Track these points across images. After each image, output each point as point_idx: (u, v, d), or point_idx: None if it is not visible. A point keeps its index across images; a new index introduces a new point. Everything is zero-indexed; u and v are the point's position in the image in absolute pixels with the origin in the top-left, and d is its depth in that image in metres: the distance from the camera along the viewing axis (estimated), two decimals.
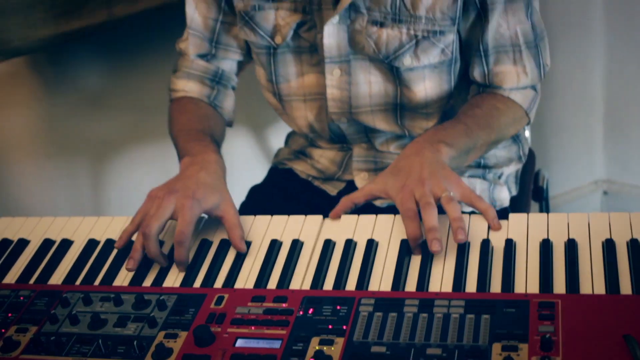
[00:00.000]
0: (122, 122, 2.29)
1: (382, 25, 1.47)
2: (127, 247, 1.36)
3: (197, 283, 1.27)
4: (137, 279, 1.30)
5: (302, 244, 1.31)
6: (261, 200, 1.76)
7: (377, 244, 1.28)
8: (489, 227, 1.28)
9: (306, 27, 1.54)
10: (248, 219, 1.39)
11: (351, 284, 1.21)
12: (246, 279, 1.26)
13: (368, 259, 1.25)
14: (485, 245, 1.23)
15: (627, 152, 2.58)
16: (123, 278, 1.30)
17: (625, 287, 1.12)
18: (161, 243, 1.35)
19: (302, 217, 1.37)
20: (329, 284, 1.22)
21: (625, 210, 1.26)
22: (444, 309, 1.11)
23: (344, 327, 1.11)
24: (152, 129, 2.34)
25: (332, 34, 1.50)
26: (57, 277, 1.33)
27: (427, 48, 1.48)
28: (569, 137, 2.59)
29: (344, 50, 1.52)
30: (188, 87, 1.65)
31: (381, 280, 1.21)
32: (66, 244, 1.41)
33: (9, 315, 1.24)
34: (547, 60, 1.53)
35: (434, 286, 1.18)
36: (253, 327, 1.13)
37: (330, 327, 1.11)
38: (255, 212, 1.41)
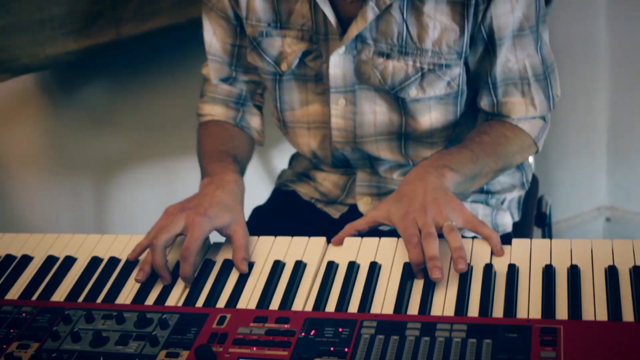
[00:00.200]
0: (127, 140, 2.30)
1: (388, 56, 1.48)
2: (130, 266, 1.37)
3: (200, 302, 1.27)
4: (139, 297, 1.30)
5: (305, 265, 1.31)
6: (264, 221, 1.77)
7: (380, 266, 1.28)
8: (491, 252, 1.28)
9: (312, 56, 1.55)
10: (251, 239, 1.39)
11: (353, 307, 1.21)
12: (249, 299, 1.26)
13: (371, 282, 1.25)
14: (488, 270, 1.23)
15: (630, 179, 2.58)
16: (126, 296, 1.31)
17: (628, 314, 1.11)
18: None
19: (305, 238, 1.37)
20: (331, 306, 1.22)
21: (628, 237, 1.26)
22: (446, 332, 1.11)
23: (346, 350, 1.11)
24: (157, 147, 2.35)
25: (338, 64, 1.51)
26: (60, 294, 1.33)
27: (433, 80, 1.49)
28: (572, 164, 2.59)
29: (349, 80, 1.53)
30: (214, 111, 1.68)
31: (383, 303, 1.21)
32: (69, 260, 1.41)
33: (11, 331, 1.24)
34: (557, 92, 1.53)
35: (436, 310, 1.18)
36: (255, 348, 1.13)
37: (332, 349, 1.11)
38: (257, 232, 1.42)
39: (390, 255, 1.31)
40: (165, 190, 2.38)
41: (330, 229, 1.43)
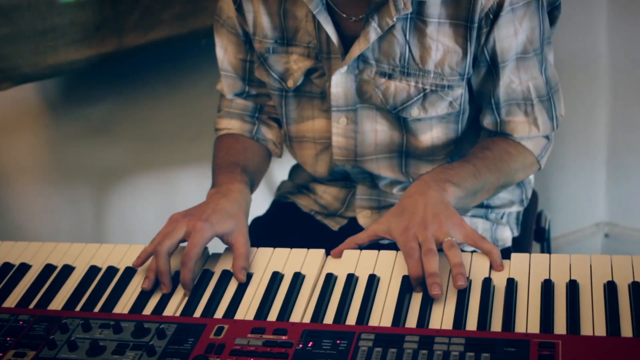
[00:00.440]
0: (126, 150, 2.30)
1: (390, 77, 1.48)
2: (127, 275, 1.37)
3: (198, 313, 1.27)
4: (137, 307, 1.29)
5: (303, 277, 1.31)
6: (263, 233, 1.77)
7: (378, 279, 1.28)
8: (490, 266, 1.28)
9: (317, 73, 1.55)
10: (250, 250, 1.39)
11: (351, 319, 1.21)
12: (247, 310, 1.26)
13: (369, 294, 1.25)
14: (487, 284, 1.23)
15: (629, 196, 2.58)
16: (123, 305, 1.30)
17: (626, 329, 1.11)
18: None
19: (304, 250, 1.37)
20: (329, 318, 1.22)
21: (626, 253, 1.26)
22: (444, 346, 1.11)
23: None
24: (157, 158, 2.35)
25: (339, 83, 1.51)
26: (57, 303, 1.33)
27: (435, 101, 1.49)
28: (571, 179, 2.59)
29: (351, 99, 1.53)
30: (230, 124, 1.70)
31: (382, 315, 1.21)
32: (67, 269, 1.41)
33: (8, 339, 1.23)
34: (560, 112, 1.53)
35: (435, 323, 1.18)
36: (252, 359, 1.13)
37: None
38: (256, 244, 1.42)
39: (389, 268, 1.30)
40: (164, 200, 2.38)
41: (329, 242, 1.42)
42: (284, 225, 1.75)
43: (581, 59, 2.41)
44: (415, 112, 1.50)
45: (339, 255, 1.35)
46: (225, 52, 1.65)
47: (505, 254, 1.30)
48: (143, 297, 1.31)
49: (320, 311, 1.23)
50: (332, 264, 1.34)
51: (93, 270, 1.39)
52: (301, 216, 1.75)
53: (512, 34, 1.42)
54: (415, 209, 1.31)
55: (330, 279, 1.29)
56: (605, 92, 2.46)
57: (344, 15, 1.48)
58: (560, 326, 1.14)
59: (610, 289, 1.18)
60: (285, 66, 1.56)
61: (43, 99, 2.18)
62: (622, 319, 1.13)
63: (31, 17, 1.85)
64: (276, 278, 1.31)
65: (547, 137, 1.54)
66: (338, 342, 1.14)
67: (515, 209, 1.69)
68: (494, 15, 1.40)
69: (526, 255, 1.29)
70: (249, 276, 1.33)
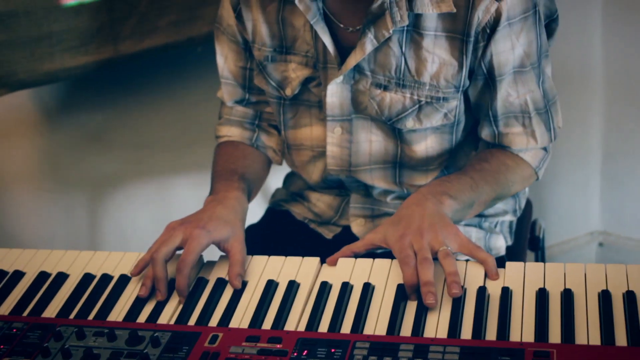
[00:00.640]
0: (121, 158, 2.30)
1: (385, 88, 1.49)
2: (122, 283, 1.37)
3: (192, 321, 1.26)
4: (131, 315, 1.29)
5: (298, 285, 1.31)
6: (256, 240, 1.76)
7: (373, 287, 1.28)
8: (485, 275, 1.28)
9: (315, 82, 1.55)
10: (246, 257, 1.39)
11: (346, 327, 1.21)
12: (241, 319, 1.26)
13: (364, 303, 1.25)
14: (482, 292, 1.23)
15: (624, 205, 2.59)
16: (117, 313, 1.30)
17: (621, 338, 1.12)
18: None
19: (299, 258, 1.37)
20: (324, 326, 1.22)
21: (621, 262, 1.26)
22: (439, 354, 1.10)
23: None
24: (152, 166, 2.35)
25: (335, 93, 1.52)
26: (51, 310, 1.33)
27: (430, 113, 1.49)
28: (565, 188, 2.60)
29: (346, 109, 1.53)
30: (230, 132, 1.70)
31: (376, 324, 1.21)
32: (62, 277, 1.40)
33: (1, 347, 1.23)
34: (558, 123, 1.53)
35: (430, 332, 1.18)
36: None
37: None
38: (250, 251, 1.42)
39: (383, 276, 1.30)
40: (159, 208, 2.38)
41: (323, 250, 1.42)
42: (278, 233, 1.75)
43: (576, 68, 2.42)
44: (410, 123, 1.50)
45: (334, 263, 1.35)
46: (225, 59, 1.65)
47: (499, 262, 1.30)
48: (137, 305, 1.31)
49: (315, 319, 1.23)
50: (327, 272, 1.34)
51: (87, 277, 1.39)
52: (295, 224, 1.75)
53: (509, 48, 1.42)
54: (411, 218, 1.32)
55: (325, 287, 1.29)
56: (600, 102, 2.47)
57: (342, 26, 1.48)
58: (555, 335, 1.14)
59: (605, 298, 1.19)
60: (283, 74, 1.56)
61: (39, 105, 2.18)
62: (617, 328, 1.13)
63: (27, 24, 1.85)
64: (271, 286, 1.31)
65: (545, 149, 1.54)
66: (333, 350, 1.14)
67: (509, 218, 1.70)
68: (491, 29, 1.40)
69: (521, 264, 1.29)
70: (244, 284, 1.33)
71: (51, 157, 2.25)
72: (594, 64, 2.43)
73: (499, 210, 1.67)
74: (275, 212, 1.80)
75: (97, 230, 2.35)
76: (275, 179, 2.22)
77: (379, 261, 1.34)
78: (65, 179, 2.27)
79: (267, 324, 1.24)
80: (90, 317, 1.30)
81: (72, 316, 1.31)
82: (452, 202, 1.37)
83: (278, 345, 1.16)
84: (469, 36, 1.41)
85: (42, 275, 1.41)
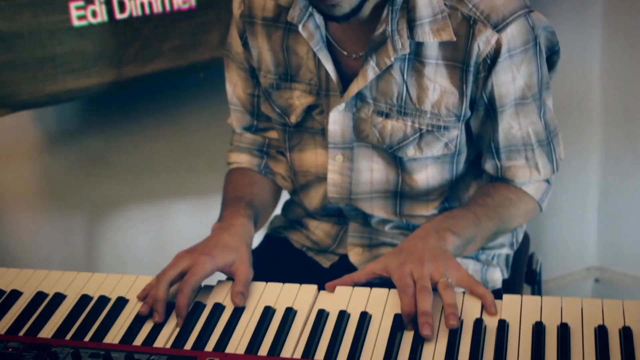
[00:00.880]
0: (121, 181, 2.30)
1: (387, 116, 1.50)
2: (119, 306, 1.36)
3: (189, 345, 1.26)
4: (127, 337, 1.29)
5: (295, 312, 1.31)
6: (254, 267, 1.76)
7: (370, 317, 1.28)
8: (482, 307, 1.28)
9: (318, 110, 1.56)
10: (250, 279, 1.40)
11: (343, 356, 1.21)
12: (238, 344, 1.25)
13: (360, 332, 1.24)
14: (478, 324, 1.23)
15: (620, 241, 2.60)
16: (114, 335, 1.30)
17: None
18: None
19: (296, 285, 1.37)
20: (320, 354, 1.21)
21: (617, 298, 1.26)
22: None
23: None
24: (151, 190, 2.35)
25: (337, 120, 1.53)
26: (48, 331, 1.32)
27: (430, 141, 1.50)
28: (562, 223, 2.61)
29: (348, 137, 1.54)
30: (240, 159, 1.72)
31: (372, 353, 1.21)
32: (59, 297, 1.40)
33: None
34: (560, 155, 1.54)
35: None
36: None
37: None
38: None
39: (381, 305, 1.30)
40: (157, 232, 2.38)
41: (320, 278, 1.42)
42: (275, 260, 1.75)
43: (574, 104, 2.44)
44: (411, 151, 1.51)
45: (333, 290, 1.36)
46: (234, 87, 1.67)
47: (496, 295, 1.31)
48: (134, 328, 1.31)
49: (312, 347, 1.23)
50: (324, 300, 1.34)
51: (84, 299, 1.39)
52: (293, 252, 1.75)
53: (510, 80, 1.43)
54: (413, 249, 1.33)
55: (322, 315, 1.29)
56: (598, 137, 2.49)
57: (345, 53, 1.50)
58: None
59: (601, 333, 1.19)
60: (288, 102, 1.58)
61: (40, 126, 2.19)
62: None
63: (31, 45, 1.87)
64: (268, 313, 1.31)
65: (547, 181, 1.55)
66: None
67: (506, 251, 1.70)
68: (492, 60, 1.41)
69: (518, 296, 1.29)
70: (241, 310, 1.33)
71: (51, 178, 2.25)
72: (592, 99, 2.45)
73: (496, 243, 1.67)
74: (274, 239, 1.80)
75: (94, 252, 2.35)
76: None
77: (376, 290, 1.34)
78: (64, 200, 2.27)
79: (264, 350, 1.23)
80: (87, 338, 1.30)
81: (68, 337, 1.30)
82: (454, 238, 1.38)
83: None
84: (469, 65, 1.42)
85: (39, 296, 1.41)
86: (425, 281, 1.26)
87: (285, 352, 1.23)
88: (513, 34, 1.40)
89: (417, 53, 1.44)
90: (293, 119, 1.58)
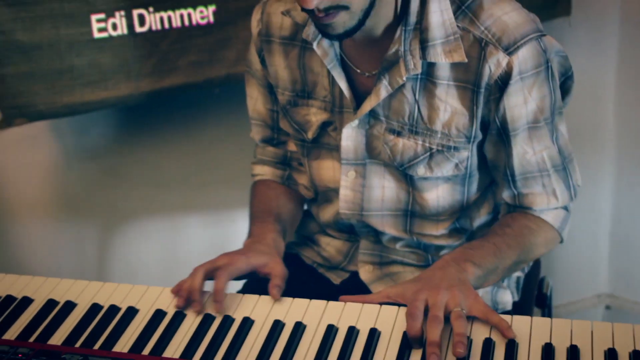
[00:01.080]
0: (134, 194, 2.31)
1: (399, 134, 1.50)
2: (129, 315, 1.37)
3: (197, 356, 1.26)
4: (137, 347, 1.29)
5: (304, 327, 1.31)
6: (264, 282, 1.77)
7: (379, 333, 1.28)
8: (491, 328, 1.27)
9: (332, 126, 1.58)
10: (252, 298, 1.40)
11: None
12: (246, 357, 1.26)
13: (369, 348, 1.24)
14: (487, 345, 1.23)
15: (632, 268, 2.59)
16: (123, 344, 1.30)
17: None
18: None
19: (306, 300, 1.37)
20: None
21: None
22: None
23: None
24: (164, 204, 2.36)
25: (350, 137, 1.54)
26: (58, 338, 1.33)
27: (440, 161, 1.51)
28: (574, 249, 2.59)
29: (360, 153, 1.55)
30: (263, 170, 1.75)
31: None
32: (69, 305, 1.41)
33: None
34: (577, 181, 1.54)
35: None
36: None
37: None
38: (258, 292, 1.42)
39: (390, 323, 1.30)
40: (168, 245, 2.39)
41: (330, 295, 1.42)
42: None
43: (587, 130, 2.44)
44: (421, 170, 1.52)
45: (344, 302, 1.36)
46: (255, 102, 1.69)
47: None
48: (143, 337, 1.31)
49: None
50: (334, 315, 1.34)
51: (95, 307, 1.39)
52: (304, 268, 1.75)
53: (521, 103, 1.44)
54: (432, 278, 1.33)
55: (331, 331, 1.29)
56: (611, 163, 2.48)
57: (358, 71, 1.51)
58: None
59: (611, 356, 1.18)
60: (305, 118, 1.59)
61: (55, 137, 2.20)
62: None
63: (50, 56, 1.88)
64: (277, 327, 1.31)
65: (565, 208, 1.55)
66: None
67: (517, 274, 1.69)
68: (503, 82, 1.42)
69: (528, 318, 1.29)
70: (250, 323, 1.33)
71: (65, 189, 2.26)
72: (605, 126, 2.45)
73: None
74: (285, 255, 1.80)
75: (105, 263, 2.36)
76: None
77: (386, 307, 1.34)
78: (77, 211, 2.28)
79: None
80: (96, 346, 1.30)
81: (78, 345, 1.31)
82: (475, 269, 1.37)
83: None
84: (479, 87, 1.43)
85: (50, 303, 1.41)
86: (438, 310, 1.25)
87: None
88: (524, 57, 1.41)
89: (429, 73, 1.45)
90: (310, 134, 1.59)
